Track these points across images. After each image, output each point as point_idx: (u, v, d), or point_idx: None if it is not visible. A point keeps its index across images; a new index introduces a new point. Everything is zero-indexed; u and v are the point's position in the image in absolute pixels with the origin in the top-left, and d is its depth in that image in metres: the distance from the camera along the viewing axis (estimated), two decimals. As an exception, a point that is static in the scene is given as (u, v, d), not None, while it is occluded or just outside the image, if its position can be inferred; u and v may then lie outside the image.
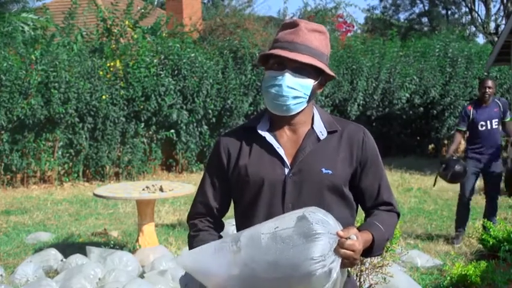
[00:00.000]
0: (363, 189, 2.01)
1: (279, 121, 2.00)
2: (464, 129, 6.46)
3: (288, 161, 1.95)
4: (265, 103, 2.00)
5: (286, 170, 1.95)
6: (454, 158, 6.26)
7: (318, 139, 1.98)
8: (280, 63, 1.93)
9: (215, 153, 2.06)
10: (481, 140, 6.30)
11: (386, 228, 1.96)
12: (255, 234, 1.76)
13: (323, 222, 1.73)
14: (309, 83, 1.94)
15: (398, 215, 2.06)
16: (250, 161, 1.98)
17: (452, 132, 14.37)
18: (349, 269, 1.93)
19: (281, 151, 1.96)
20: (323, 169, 1.93)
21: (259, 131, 2.00)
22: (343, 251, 1.72)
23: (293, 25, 1.96)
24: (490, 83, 6.32)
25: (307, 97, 1.95)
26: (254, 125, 2.02)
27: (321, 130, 1.99)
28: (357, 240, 1.76)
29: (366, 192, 2.01)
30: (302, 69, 1.92)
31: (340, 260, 1.72)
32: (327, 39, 1.98)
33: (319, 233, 1.70)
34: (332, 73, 1.97)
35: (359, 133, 2.01)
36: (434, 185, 6.57)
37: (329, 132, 1.99)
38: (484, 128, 6.27)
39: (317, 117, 2.02)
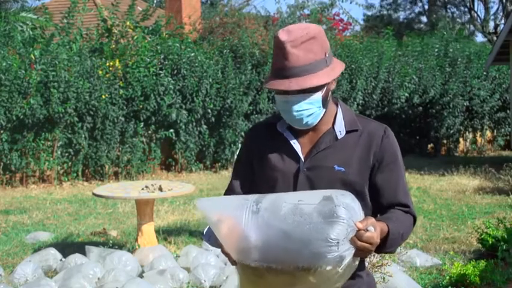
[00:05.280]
0: (378, 187, 1.97)
1: None
2: None
3: (302, 156, 1.97)
4: None
5: (300, 165, 1.97)
6: None
7: (336, 138, 1.98)
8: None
9: (244, 143, 2.15)
10: None
11: (401, 224, 1.90)
12: (277, 201, 1.75)
13: (348, 208, 1.69)
14: (317, 97, 1.92)
15: (415, 218, 2.00)
16: (269, 156, 2.01)
17: (452, 131, 14.42)
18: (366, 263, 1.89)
19: (297, 146, 1.99)
20: (336, 166, 1.94)
21: (279, 129, 2.03)
22: (360, 243, 1.69)
23: (280, 46, 1.86)
24: None
25: (321, 107, 1.94)
26: (275, 122, 2.05)
27: (340, 130, 1.99)
28: (375, 232, 1.72)
29: (381, 190, 1.97)
30: (304, 89, 1.88)
31: (354, 250, 1.69)
32: (320, 39, 1.90)
33: (340, 216, 1.66)
34: (338, 73, 1.94)
35: (380, 131, 1.99)
36: None
37: (347, 132, 1.99)
38: None
39: (339, 117, 2.01)
